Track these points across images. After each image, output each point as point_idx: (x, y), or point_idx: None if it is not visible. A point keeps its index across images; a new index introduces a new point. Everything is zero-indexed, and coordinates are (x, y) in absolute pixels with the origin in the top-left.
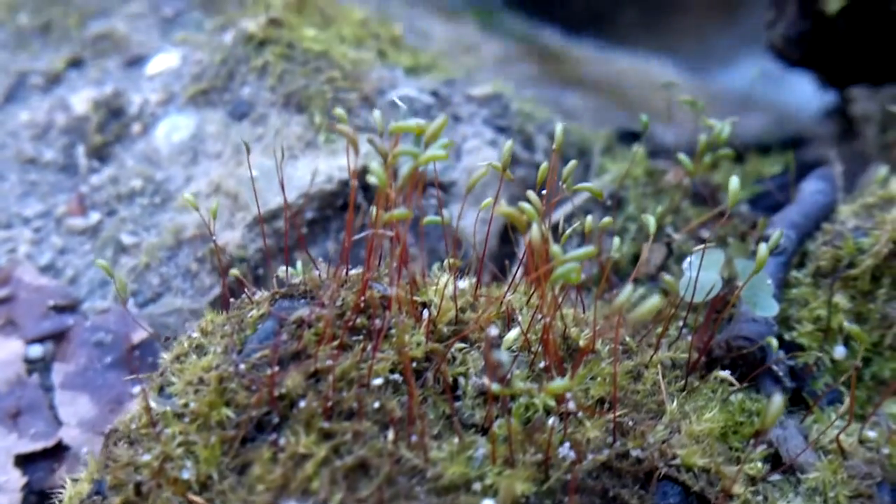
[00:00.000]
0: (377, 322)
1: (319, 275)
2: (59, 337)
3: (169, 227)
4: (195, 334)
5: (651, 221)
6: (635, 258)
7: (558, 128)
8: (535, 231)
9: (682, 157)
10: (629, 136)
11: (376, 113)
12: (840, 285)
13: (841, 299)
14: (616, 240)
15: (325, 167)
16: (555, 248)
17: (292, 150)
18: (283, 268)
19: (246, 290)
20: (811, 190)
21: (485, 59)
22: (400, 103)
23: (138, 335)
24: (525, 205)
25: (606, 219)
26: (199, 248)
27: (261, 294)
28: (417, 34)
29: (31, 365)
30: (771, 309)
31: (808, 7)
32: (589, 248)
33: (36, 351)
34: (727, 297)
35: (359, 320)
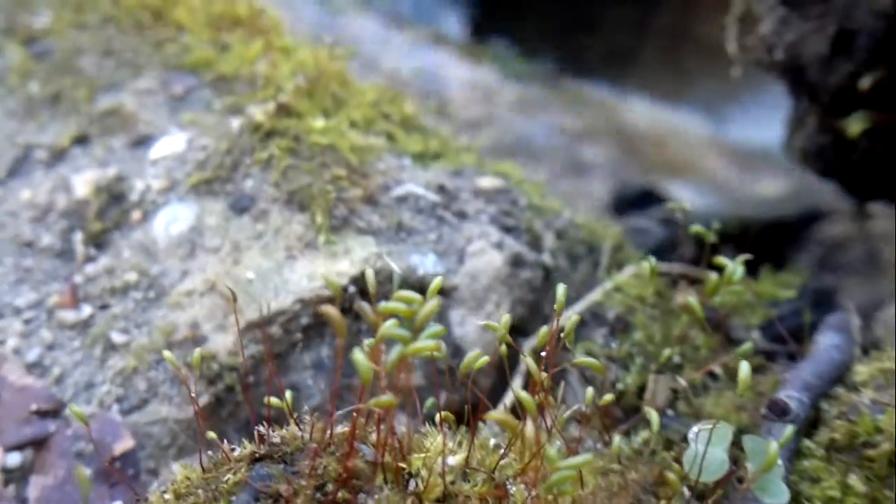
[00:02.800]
0: (361, 497)
1: (302, 436)
2: (39, 444)
3: (161, 325)
4: (168, 496)
5: (663, 354)
6: (641, 389)
7: (560, 289)
8: (529, 431)
9: (707, 274)
10: (637, 199)
11: (365, 306)
12: (856, 463)
13: (856, 481)
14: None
15: (323, 270)
16: (551, 452)
17: (291, 251)
18: (268, 398)
19: (223, 446)
20: (826, 345)
21: (503, 105)
22: (394, 267)
23: (121, 445)
24: (523, 394)
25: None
26: (190, 352)
27: (239, 451)
28: (437, 79)
29: (9, 474)
30: (781, 496)
31: (827, 123)
32: (587, 457)
33: (14, 459)
34: (734, 474)
35: (340, 494)
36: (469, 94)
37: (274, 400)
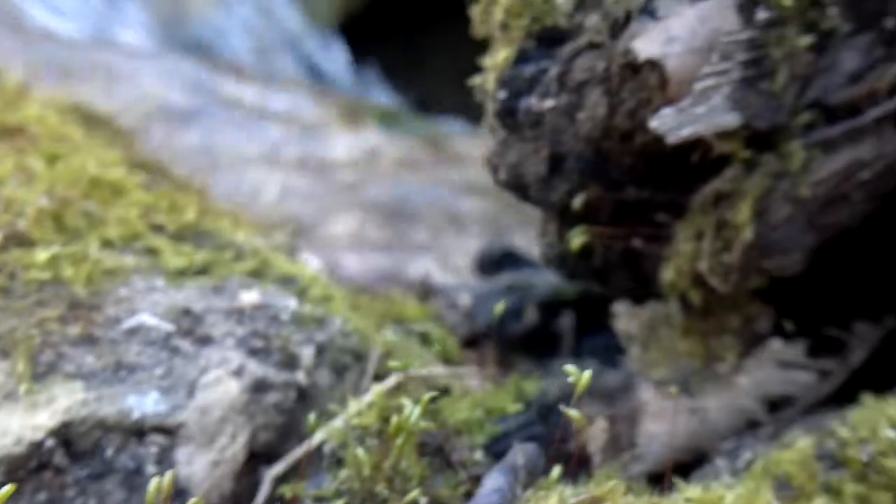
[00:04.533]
0: None
1: None
2: None
3: None
4: None
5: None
6: None
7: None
8: None
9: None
10: (498, 261)
11: None
12: None
13: None
14: None
15: (17, 426)
16: None
17: None
18: None
19: None
20: (488, 489)
21: (385, 164)
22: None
23: None
24: None
25: None
26: None
27: None
28: (316, 138)
29: None
30: None
31: (564, 232)
32: None
33: None
34: None
35: None
36: (350, 154)
37: None
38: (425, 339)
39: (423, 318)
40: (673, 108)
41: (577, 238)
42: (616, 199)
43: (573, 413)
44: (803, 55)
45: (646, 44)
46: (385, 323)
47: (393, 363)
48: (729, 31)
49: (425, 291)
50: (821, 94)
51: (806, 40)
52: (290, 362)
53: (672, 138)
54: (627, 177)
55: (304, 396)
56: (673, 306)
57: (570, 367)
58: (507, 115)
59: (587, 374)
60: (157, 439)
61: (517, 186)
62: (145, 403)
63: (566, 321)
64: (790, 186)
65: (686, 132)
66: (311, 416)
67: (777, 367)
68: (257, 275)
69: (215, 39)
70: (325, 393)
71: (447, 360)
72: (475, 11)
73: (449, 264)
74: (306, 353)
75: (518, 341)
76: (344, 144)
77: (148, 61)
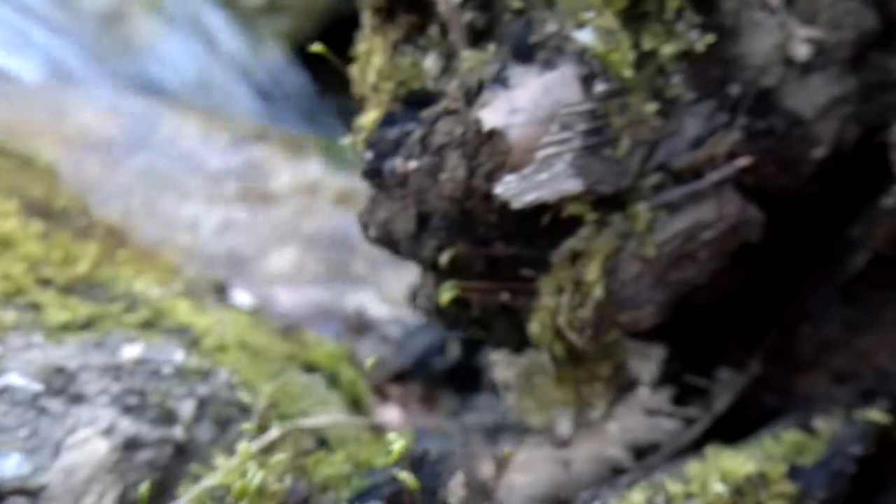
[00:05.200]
0: None
1: None
2: None
3: None
4: None
5: None
6: None
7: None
8: None
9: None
10: None
11: None
12: None
13: None
14: None
15: None
16: None
17: None
18: None
19: None
20: None
21: (326, 198)
22: None
23: None
24: None
25: None
26: None
27: None
28: (260, 175)
29: None
30: None
31: (439, 284)
32: None
33: None
34: None
35: None
36: (291, 187)
37: None
38: (333, 383)
39: (333, 360)
40: (516, 175)
41: (446, 293)
42: (486, 254)
43: (404, 476)
44: (649, 122)
45: (491, 114)
46: (291, 368)
47: (277, 415)
48: (571, 103)
49: (360, 325)
50: (667, 158)
51: (651, 107)
52: (168, 418)
53: (516, 204)
54: (495, 233)
55: (183, 452)
56: (545, 355)
57: (391, 435)
58: (374, 175)
59: (401, 443)
60: (19, 502)
61: (388, 243)
62: (6, 466)
63: (488, 357)
64: (637, 246)
65: (529, 198)
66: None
67: (644, 414)
68: (148, 326)
69: (160, 71)
70: (205, 448)
71: (356, 403)
72: (353, 71)
73: (386, 297)
74: (186, 408)
75: (442, 376)
76: (286, 177)
77: (87, 94)
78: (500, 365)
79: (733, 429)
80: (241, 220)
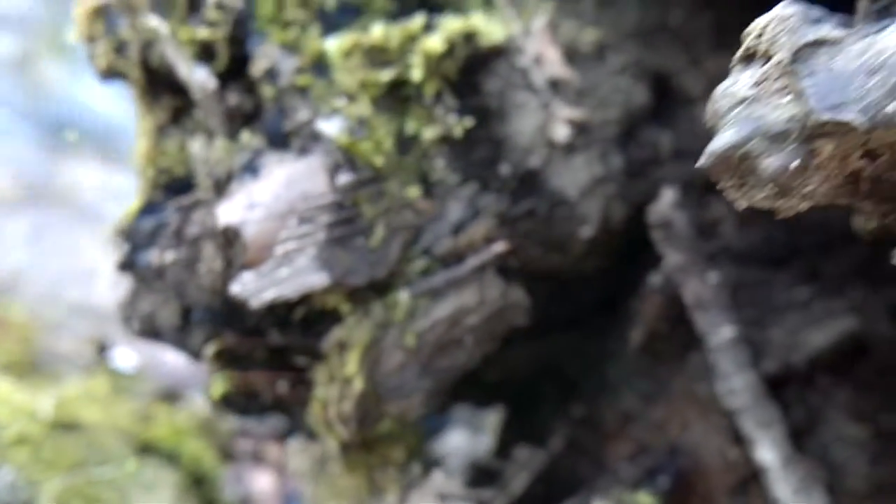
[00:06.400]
0: None
1: None
2: None
3: None
4: None
5: None
6: None
7: None
8: None
9: None
10: None
11: None
12: None
13: None
14: None
15: None
16: None
17: None
18: None
19: None
20: None
21: None
22: None
23: None
24: None
25: None
26: None
27: None
28: None
29: None
30: None
31: None
32: None
33: None
34: None
35: None
36: None
37: None
38: (172, 461)
39: (177, 436)
40: (253, 272)
41: (217, 386)
42: (261, 344)
43: None
44: (414, 206)
45: (228, 209)
46: (128, 446)
47: None
48: (313, 195)
49: None
50: (431, 242)
51: (415, 192)
52: None
53: (255, 303)
54: (268, 321)
55: None
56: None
57: None
58: (129, 267)
59: None
60: None
61: (154, 335)
62: None
63: None
64: (399, 335)
65: (269, 295)
66: None
67: (437, 499)
68: None
69: (73, 116)
70: None
71: (198, 481)
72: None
73: None
74: None
75: None
76: None
77: None
78: (296, 454)
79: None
80: None
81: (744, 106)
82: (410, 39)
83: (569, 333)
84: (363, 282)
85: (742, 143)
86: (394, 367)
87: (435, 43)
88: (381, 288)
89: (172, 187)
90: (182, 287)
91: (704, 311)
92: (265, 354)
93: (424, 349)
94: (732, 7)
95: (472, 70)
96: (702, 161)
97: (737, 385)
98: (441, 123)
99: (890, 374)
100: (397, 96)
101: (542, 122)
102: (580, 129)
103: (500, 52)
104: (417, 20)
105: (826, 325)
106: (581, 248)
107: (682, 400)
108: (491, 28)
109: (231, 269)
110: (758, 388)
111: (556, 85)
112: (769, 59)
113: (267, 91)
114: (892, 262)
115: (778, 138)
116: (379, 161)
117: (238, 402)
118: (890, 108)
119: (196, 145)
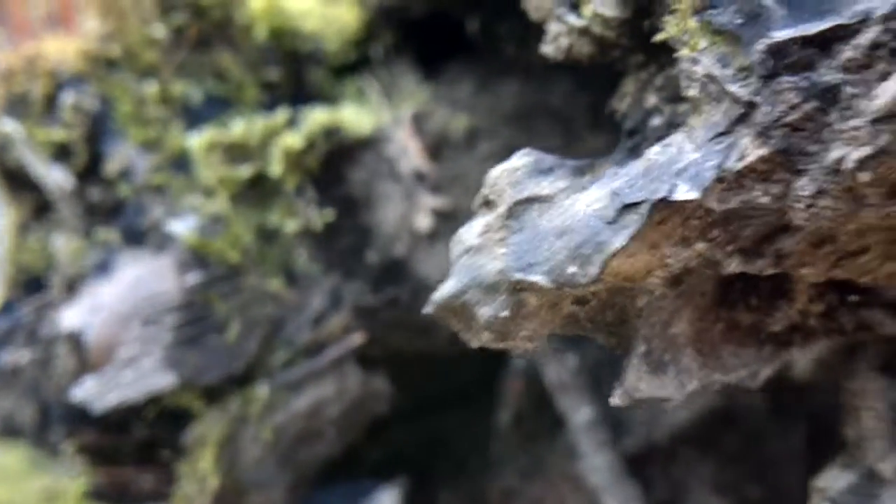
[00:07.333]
0: None
1: None
2: None
3: None
4: None
5: None
6: None
7: None
8: None
9: None
10: None
11: None
12: None
13: None
14: None
15: None
16: None
17: None
18: None
19: None
20: None
21: None
22: None
23: None
24: None
25: None
26: None
27: None
28: None
29: None
30: None
31: None
32: None
33: None
34: None
35: None
36: None
37: None
38: None
39: None
40: (96, 376)
41: (79, 480)
42: (126, 439)
43: None
44: (279, 297)
45: (71, 313)
46: None
47: None
48: (162, 296)
49: None
50: (293, 333)
51: (277, 283)
52: None
53: (98, 407)
54: (132, 416)
55: None
56: None
57: None
58: None
59: None
60: None
61: (15, 433)
62: None
63: None
64: (257, 429)
65: (113, 399)
66: None
67: None
68: None
69: None
70: None
71: None
72: None
73: None
74: None
75: None
76: None
77: None
78: None
79: None
80: None
81: (469, 255)
82: (271, 135)
83: (456, 410)
84: (217, 379)
85: (461, 292)
86: (253, 461)
87: (294, 139)
88: (241, 381)
89: (31, 286)
90: (38, 386)
91: (565, 393)
92: (132, 448)
93: (283, 442)
94: (606, 88)
95: (335, 162)
96: (427, 309)
97: (598, 463)
98: (302, 216)
99: (758, 442)
100: (258, 191)
101: (406, 211)
102: (445, 217)
103: (366, 144)
104: (280, 116)
105: (690, 401)
106: (447, 332)
107: (556, 477)
108: (359, 119)
109: (83, 369)
110: (617, 467)
111: (420, 175)
112: (496, 209)
113: (123, 189)
114: None
115: (490, 289)
116: (235, 257)
117: (110, 494)
118: (569, 270)
119: (58, 242)
